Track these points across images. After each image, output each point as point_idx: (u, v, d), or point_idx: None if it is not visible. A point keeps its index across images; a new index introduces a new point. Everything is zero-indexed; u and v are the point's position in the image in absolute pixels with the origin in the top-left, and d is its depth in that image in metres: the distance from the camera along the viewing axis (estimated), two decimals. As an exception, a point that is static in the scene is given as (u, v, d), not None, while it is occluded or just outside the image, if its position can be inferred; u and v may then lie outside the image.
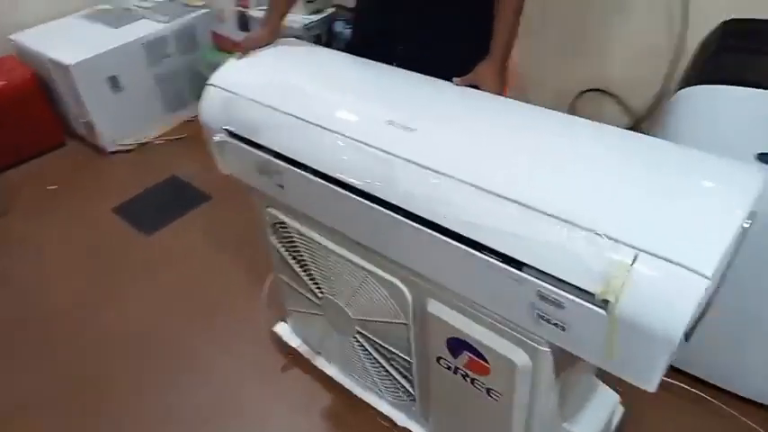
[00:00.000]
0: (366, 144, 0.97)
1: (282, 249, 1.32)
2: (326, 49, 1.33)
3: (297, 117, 1.06)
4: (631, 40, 1.54)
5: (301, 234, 1.21)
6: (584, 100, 1.72)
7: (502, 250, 0.82)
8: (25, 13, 2.69)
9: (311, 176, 1.04)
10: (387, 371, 1.28)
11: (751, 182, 0.77)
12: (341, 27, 2.17)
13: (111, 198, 2.26)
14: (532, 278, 0.80)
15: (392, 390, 1.32)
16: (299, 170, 1.06)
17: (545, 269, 0.79)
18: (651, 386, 0.79)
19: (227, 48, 2.61)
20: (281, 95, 1.13)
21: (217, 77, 1.24)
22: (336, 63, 1.24)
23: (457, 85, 1.11)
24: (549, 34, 1.65)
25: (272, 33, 1.28)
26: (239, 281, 1.84)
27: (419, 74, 1.13)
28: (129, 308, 1.79)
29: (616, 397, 1.18)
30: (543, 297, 0.81)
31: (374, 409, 1.40)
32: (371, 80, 1.15)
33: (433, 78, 1.12)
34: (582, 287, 0.76)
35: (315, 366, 1.51)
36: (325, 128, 1.02)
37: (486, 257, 0.84)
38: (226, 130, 1.19)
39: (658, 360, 0.75)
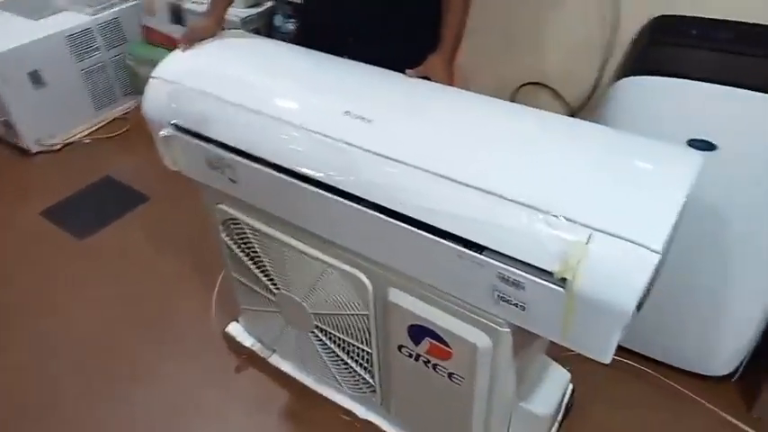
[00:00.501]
0: (324, 135, 0.96)
1: (235, 247, 1.29)
2: (275, 40, 1.31)
3: (249, 108, 1.05)
4: (565, 35, 1.61)
5: (255, 230, 1.19)
6: (523, 93, 1.79)
7: (463, 235, 0.84)
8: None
9: (267, 169, 1.02)
10: (346, 363, 1.28)
11: (691, 163, 0.83)
12: (280, 21, 2.14)
13: (38, 201, 2.13)
14: (493, 261, 0.83)
15: (352, 382, 1.32)
16: (253, 163, 1.04)
17: (505, 251, 0.81)
18: (606, 358, 0.83)
19: (159, 41, 2.51)
20: (231, 86, 1.11)
21: (161, 69, 1.20)
22: (287, 54, 1.23)
23: (409, 76, 1.12)
24: (487, 30, 1.70)
25: (217, 24, 1.25)
26: (184, 283, 1.78)
27: (370, 65, 1.14)
28: (69, 316, 1.69)
29: (567, 375, 1.24)
30: (504, 279, 0.84)
31: (334, 403, 1.40)
32: (324, 71, 1.15)
33: (385, 70, 1.13)
34: (541, 267, 0.79)
35: (270, 365, 1.49)
36: (280, 119, 1.01)
37: (448, 243, 0.86)
38: (173, 124, 1.15)
39: (613, 332, 0.79)
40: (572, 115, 1.73)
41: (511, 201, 0.81)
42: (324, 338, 1.27)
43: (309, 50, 1.22)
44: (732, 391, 1.39)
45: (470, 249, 0.84)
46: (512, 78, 1.78)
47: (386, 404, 1.31)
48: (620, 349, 1.46)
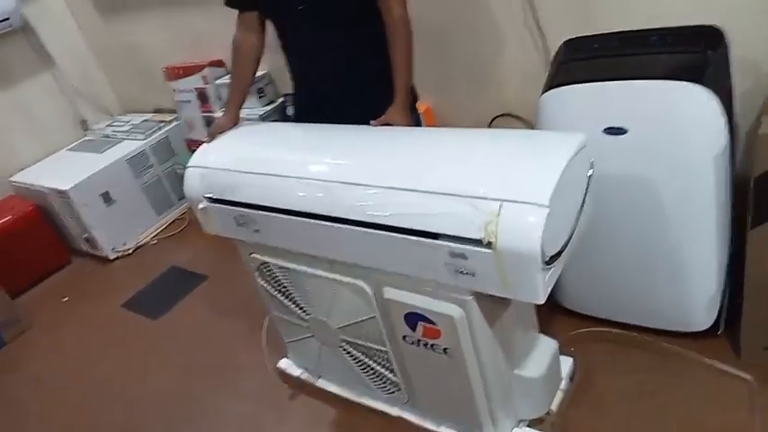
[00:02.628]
0: (314, 179, 1.29)
1: (269, 287, 1.60)
2: (276, 123, 1.68)
3: (260, 173, 1.39)
4: (514, 69, 1.92)
5: (280, 267, 1.51)
6: (498, 124, 2.08)
7: (419, 228, 1.12)
8: (21, 156, 3.09)
9: (278, 215, 1.35)
10: (371, 368, 1.53)
11: (571, 140, 1.09)
12: (291, 111, 2.55)
13: (119, 297, 2.54)
14: (443, 242, 1.10)
15: (380, 384, 1.56)
16: (268, 213, 1.37)
17: (449, 233, 1.09)
18: (538, 298, 1.07)
19: (201, 149, 2.99)
20: (244, 160, 1.46)
21: (193, 160, 1.58)
22: (283, 130, 1.60)
23: (373, 126, 1.45)
24: (455, 77, 2.03)
25: (233, 120, 1.62)
26: (241, 338, 2.09)
27: (343, 125, 1.47)
28: (151, 379, 2.03)
29: (554, 342, 1.44)
30: (453, 254, 1.10)
31: (373, 409, 1.63)
32: (312, 137, 1.50)
33: (356, 126, 1.46)
34: (474, 238, 1.05)
35: (318, 388, 1.75)
36: (282, 175, 1.35)
37: (410, 237, 1.14)
38: (206, 197, 1.51)
39: (535, 275, 1.03)
40: (541, 135, 2.00)
41: (445, 194, 1.10)
42: (350, 349, 1.53)
43: (299, 124, 1.58)
44: (720, 343, 1.53)
45: (426, 238, 1.12)
46: (483, 113, 2.08)
47: (411, 399, 1.53)
48: (612, 324, 1.65)
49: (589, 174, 1.17)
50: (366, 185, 1.20)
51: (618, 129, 1.35)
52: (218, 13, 2.58)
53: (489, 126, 2.09)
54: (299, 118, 1.72)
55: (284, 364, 1.85)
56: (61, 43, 3.23)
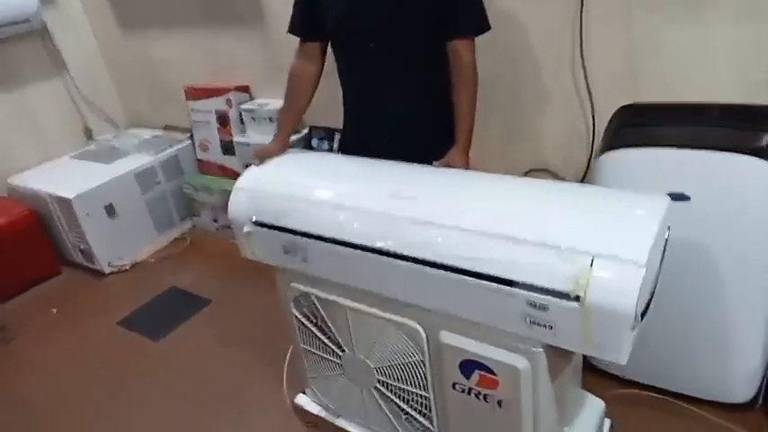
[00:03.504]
0: (377, 213, 1.26)
1: (305, 320, 1.54)
2: (328, 153, 1.66)
3: (316, 200, 1.36)
4: (556, 127, 1.96)
5: (323, 300, 1.45)
6: (532, 177, 2.11)
7: (496, 274, 1.10)
8: (19, 157, 2.97)
9: (334, 246, 1.30)
10: (407, 413, 1.47)
11: (659, 202, 1.10)
12: (316, 143, 2.54)
13: (115, 313, 2.41)
14: (522, 291, 1.07)
15: (411, 431, 1.50)
16: (322, 243, 1.33)
17: (530, 282, 1.06)
18: (623, 359, 1.04)
19: (212, 171, 2.93)
20: (298, 186, 1.43)
21: (241, 181, 1.53)
22: (338, 160, 1.57)
23: (436, 166, 1.44)
24: (492, 127, 2.06)
25: (283, 146, 1.59)
26: (250, 369, 2.00)
27: (404, 162, 1.46)
28: (153, 410, 1.90)
29: (602, 403, 1.41)
30: (532, 304, 1.08)
31: (396, 457, 1.56)
32: (370, 170, 1.47)
33: (416, 164, 1.45)
34: (559, 290, 1.03)
35: (338, 428, 1.66)
36: (341, 205, 1.31)
37: (485, 283, 1.11)
38: (253, 221, 1.46)
39: (623, 334, 1.01)
40: (574, 193, 2.03)
41: (530, 242, 1.08)
42: (386, 392, 1.47)
43: (355, 157, 1.55)
44: (757, 417, 1.53)
45: (503, 285, 1.10)
46: (518, 166, 2.10)
47: (445, 448, 1.47)
48: (651, 388, 1.63)
49: (666, 237, 1.17)
50: (438, 224, 1.18)
51: (681, 195, 1.37)
52: (249, 39, 2.62)
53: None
54: (346, 152, 1.69)
55: (301, 400, 1.76)
56: (75, 50, 3.18)
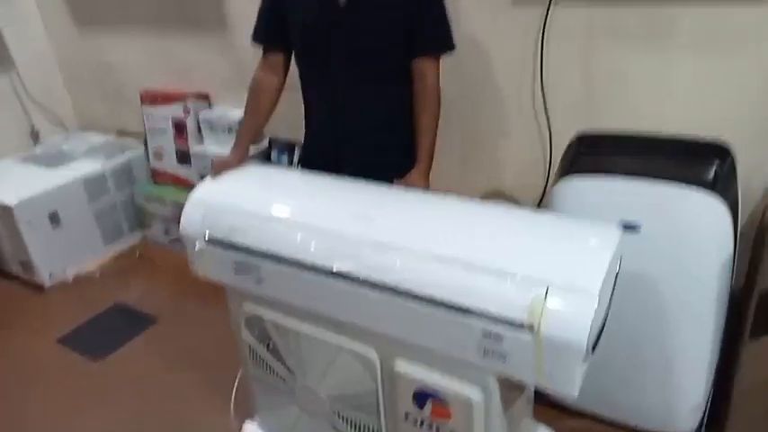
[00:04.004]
0: (336, 233, 1.23)
1: (255, 343, 1.49)
2: (288, 168, 1.62)
3: (272, 217, 1.32)
4: (516, 154, 1.99)
5: (276, 324, 1.40)
6: (489, 200, 2.12)
7: (452, 301, 1.08)
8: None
9: (289, 267, 1.27)
10: (358, 442, 1.43)
11: (612, 233, 1.11)
12: (276, 155, 2.50)
13: (54, 330, 2.28)
14: (477, 319, 1.06)
15: (363, 461, 1.46)
16: (276, 262, 1.29)
17: (486, 310, 1.05)
18: (574, 391, 1.04)
19: (166, 181, 2.84)
20: (254, 201, 1.38)
21: (195, 194, 1.47)
22: (298, 176, 1.53)
23: (396, 187, 1.42)
24: (452, 149, 2.06)
25: (240, 159, 1.55)
26: (196, 392, 1.92)
27: (365, 180, 1.44)
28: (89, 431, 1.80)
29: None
30: (487, 333, 1.06)
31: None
32: (330, 187, 1.44)
33: (377, 183, 1.43)
34: (514, 319, 1.03)
35: (285, 457, 1.61)
36: (299, 223, 1.28)
37: (442, 310, 1.09)
38: (206, 237, 1.40)
39: (575, 366, 1.01)
40: (531, 217, 2.05)
41: (486, 269, 1.07)
42: (337, 421, 1.43)
43: (316, 174, 1.52)
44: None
45: (459, 312, 1.08)
46: (476, 189, 2.12)
47: (395, 478, 1.44)
48: (600, 418, 1.65)
49: (618, 268, 1.18)
50: (397, 248, 1.16)
51: (632, 225, 1.40)
52: (210, 45, 2.55)
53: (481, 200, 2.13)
54: (307, 165, 1.66)
55: (250, 428, 1.69)
56: (25, 47, 3.04)
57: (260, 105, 1.58)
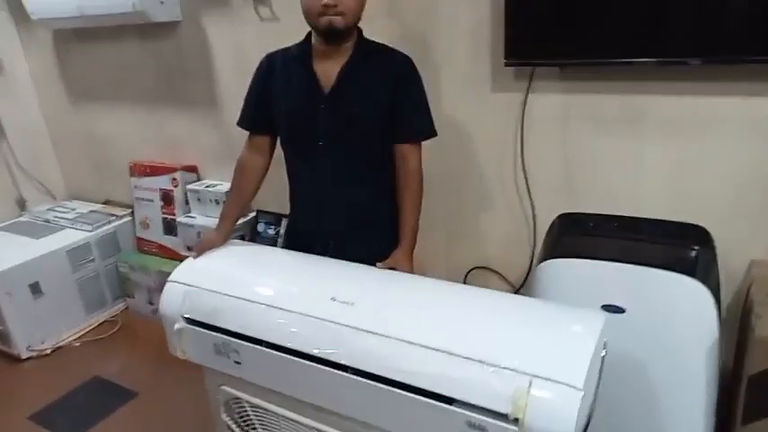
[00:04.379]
0: (316, 317, 1.21)
1: (235, 426, 1.44)
2: (269, 247, 1.62)
3: (252, 300, 1.30)
4: (499, 229, 2.01)
5: (255, 406, 1.36)
6: (474, 275, 2.12)
7: (435, 390, 1.06)
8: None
9: (268, 350, 1.24)
10: None
11: (596, 319, 1.11)
12: (263, 227, 2.50)
13: (27, 406, 2.19)
14: (461, 409, 1.04)
15: None
16: (257, 346, 1.26)
17: (469, 401, 1.03)
18: (560, 485, 1.01)
19: (152, 250, 2.83)
20: (235, 283, 1.37)
21: (176, 274, 1.46)
22: (281, 256, 1.53)
23: (379, 268, 1.42)
24: (437, 225, 2.09)
25: (225, 237, 1.55)
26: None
27: (348, 261, 1.44)
28: None
29: None
30: (470, 424, 1.04)
31: None
32: (312, 268, 1.44)
33: (358, 264, 1.43)
34: (498, 411, 1.01)
35: None
36: (279, 307, 1.26)
37: (424, 399, 1.07)
38: (185, 317, 1.38)
39: (561, 460, 0.98)
40: (516, 291, 2.05)
41: (470, 359, 1.05)
42: None
43: (298, 253, 1.52)
44: None
45: (443, 402, 1.06)
46: (462, 263, 2.12)
47: None
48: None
49: (603, 354, 1.17)
50: (378, 334, 1.14)
51: (617, 308, 1.40)
52: (200, 120, 2.61)
53: (466, 277, 2.13)
54: (291, 244, 1.66)
55: None
56: (18, 118, 3.08)
57: (245, 185, 1.61)
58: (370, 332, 1.15)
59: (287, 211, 1.71)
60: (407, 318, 1.18)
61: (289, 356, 1.21)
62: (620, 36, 1.55)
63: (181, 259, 2.63)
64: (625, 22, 1.53)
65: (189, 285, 1.41)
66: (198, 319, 1.37)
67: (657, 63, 1.52)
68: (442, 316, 1.18)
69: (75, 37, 2.80)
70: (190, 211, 2.67)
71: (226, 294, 1.35)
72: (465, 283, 2.14)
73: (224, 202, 2.49)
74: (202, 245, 1.53)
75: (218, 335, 1.33)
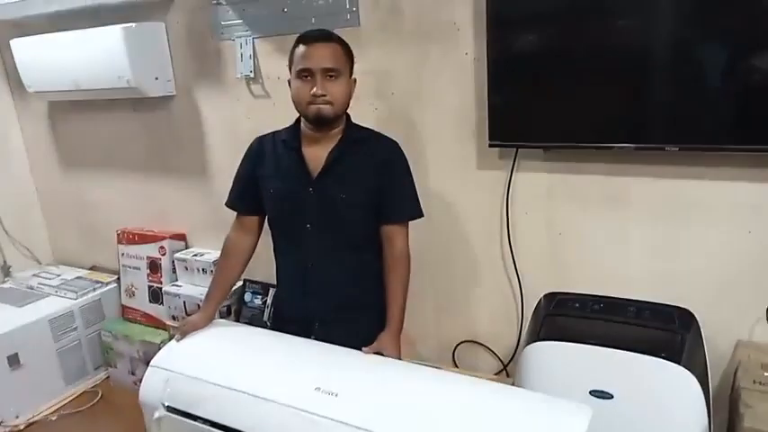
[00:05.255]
0: (299, 409, 1.19)
1: None
2: (254, 327, 1.60)
3: (235, 389, 1.28)
4: (487, 304, 2.01)
5: (235, 500, 1.31)
6: (462, 349, 2.10)
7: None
8: None
9: (250, 443, 1.21)
10: None
11: (582, 414, 1.10)
12: (250, 297, 2.48)
13: (-4, 488, 2.10)
14: None
15: None
16: (238, 438, 1.23)
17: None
18: None
19: (137, 318, 2.78)
20: (217, 371, 1.35)
21: (158, 359, 1.44)
22: (266, 339, 1.51)
23: (365, 353, 1.41)
24: (427, 301, 2.08)
25: (209, 318, 1.54)
26: None
27: (333, 345, 1.42)
28: None
29: None
30: None
31: None
32: (297, 353, 1.42)
33: (344, 349, 1.42)
34: None
35: None
36: (262, 397, 1.24)
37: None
38: (166, 406, 1.35)
39: None
40: (505, 366, 2.03)
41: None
42: None
43: (283, 335, 1.51)
44: None
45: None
46: (451, 337, 2.11)
47: None
48: None
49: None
50: (362, 429, 1.12)
51: (604, 392, 1.38)
52: (190, 188, 2.63)
53: (454, 350, 2.11)
54: (277, 324, 1.65)
55: None
56: (7, 183, 3.09)
57: (231, 265, 1.62)
58: (354, 426, 1.13)
59: (274, 281, 1.71)
60: (391, 411, 1.16)
61: (271, 450, 1.18)
62: (599, 122, 1.60)
63: (165, 328, 2.63)
64: (603, 108, 1.59)
65: (170, 371, 1.39)
66: (178, 407, 1.34)
67: (635, 148, 1.56)
68: (426, 408, 1.16)
69: (70, 107, 2.84)
70: (176, 280, 2.65)
71: (208, 382, 1.32)
72: (454, 356, 2.12)
73: (211, 271, 2.49)
74: (186, 327, 1.52)
75: (199, 424, 1.29)
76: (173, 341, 1.49)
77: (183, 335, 1.49)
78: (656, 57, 1.51)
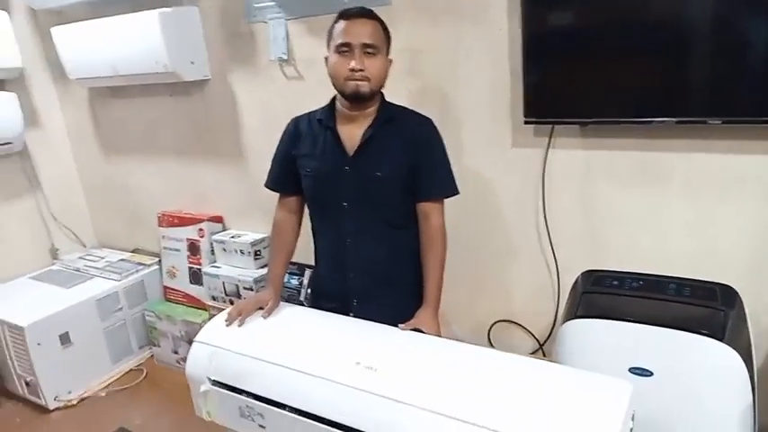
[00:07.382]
0: (339, 383, 1.22)
1: (257, 489, 1.43)
2: (294, 305, 1.64)
3: (278, 364, 1.32)
4: (523, 283, 2.00)
5: (279, 470, 1.36)
6: (498, 329, 2.11)
7: (459, 462, 1.05)
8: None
9: (293, 415, 1.25)
10: None
11: (622, 390, 1.09)
12: (287, 277, 2.52)
13: (52, 459, 2.22)
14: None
15: None
16: (281, 410, 1.27)
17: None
18: None
19: (178, 299, 2.87)
20: (262, 347, 1.39)
21: (203, 334, 1.49)
22: (310, 318, 1.54)
23: (402, 329, 1.43)
24: (462, 280, 2.08)
25: (277, 298, 1.57)
26: None
27: (372, 322, 1.45)
28: None
29: None
30: (496, 498, 1.02)
31: None
32: (336, 329, 1.45)
33: (383, 325, 1.44)
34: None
35: None
36: (303, 372, 1.27)
37: (448, 470, 1.06)
38: (211, 380, 1.40)
39: None
40: (541, 346, 2.02)
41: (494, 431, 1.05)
42: None
43: (323, 312, 1.54)
44: None
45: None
46: (486, 317, 2.11)
47: None
48: None
49: (631, 427, 1.15)
50: (402, 402, 1.14)
51: (644, 370, 1.38)
52: (227, 172, 2.68)
53: (490, 330, 2.12)
54: (316, 302, 1.68)
55: None
56: (53, 171, 3.19)
57: (284, 244, 1.67)
58: (393, 400, 1.15)
59: (311, 261, 1.74)
60: (430, 385, 1.18)
61: (313, 422, 1.22)
62: (638, 96, 1.57)
63: (206, 308, 2.70)
64: (643, 82, 1.55)
65: (215, 346, 1.44)
66: (223, 381, 1.38)
67: (677, 122, 1.52)
68: (465, 384, 1.18)
69: (109, 93, 2.92)
70: (215, 261, 2.72)
71: (251, 357, 1.37)
72: (489, 336, 2.13)
73: (248, 252, 2.55)
74: (247, 305, 1.52)
75: (244, 398, 1.34)
76: (218, 317, 1.53)
77: (246, 312, 1.50)
78: (697, 28, 1.47)
